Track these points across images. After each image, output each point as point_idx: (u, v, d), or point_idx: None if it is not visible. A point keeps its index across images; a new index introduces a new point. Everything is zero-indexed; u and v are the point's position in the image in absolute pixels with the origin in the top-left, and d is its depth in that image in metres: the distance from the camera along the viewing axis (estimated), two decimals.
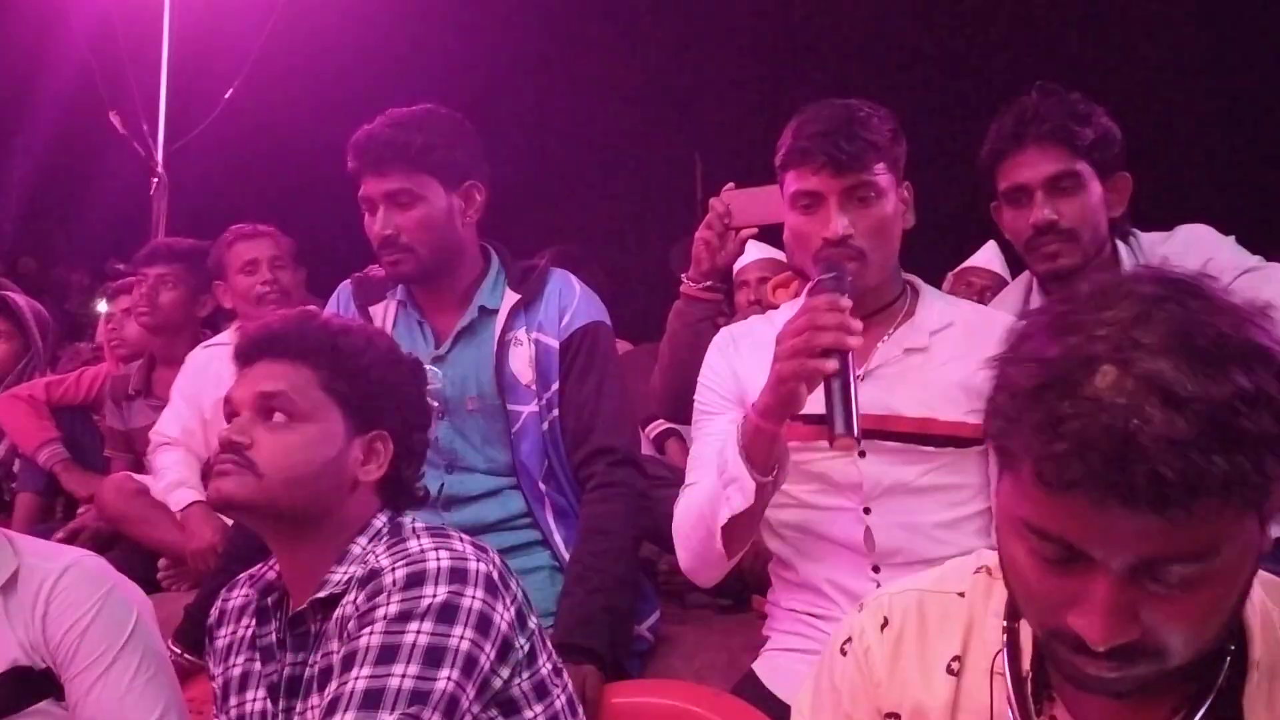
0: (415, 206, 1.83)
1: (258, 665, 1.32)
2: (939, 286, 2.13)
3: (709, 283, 2.01)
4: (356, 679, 1.16)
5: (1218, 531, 0.74)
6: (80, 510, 2.83)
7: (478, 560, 1.24)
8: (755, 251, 2.72)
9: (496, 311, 1.89)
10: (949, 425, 1.50)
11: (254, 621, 1.34)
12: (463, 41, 6.93)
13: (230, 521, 2.13)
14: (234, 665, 1.35)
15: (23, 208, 8.97)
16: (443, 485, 1.86)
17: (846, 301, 1.37)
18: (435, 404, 1.73)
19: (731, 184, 1.94)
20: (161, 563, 2.53)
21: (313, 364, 1.32)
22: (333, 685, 1.18)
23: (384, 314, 1.95)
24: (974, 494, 1.52)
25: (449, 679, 1.17)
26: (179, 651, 1.82)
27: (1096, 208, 1.83)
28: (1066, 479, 0.73)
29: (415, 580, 1.20)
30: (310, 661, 1.27)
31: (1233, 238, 1.89)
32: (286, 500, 1.27)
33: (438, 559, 1.22)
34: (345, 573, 1.27)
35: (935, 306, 1.62)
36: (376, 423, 1.34)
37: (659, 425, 2.68)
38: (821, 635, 1.50)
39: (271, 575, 1.36)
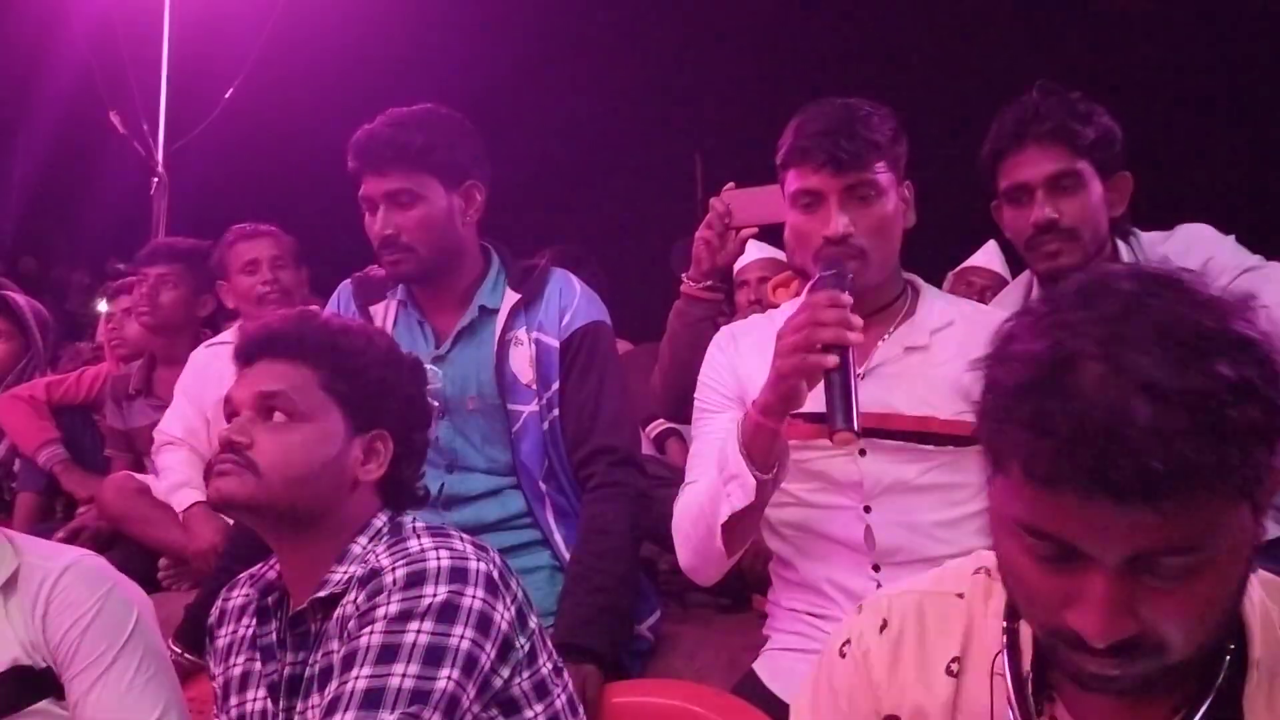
0: (415, 206, 1.83)
1: (258, 665, 1.32)
2: (939, 286, 2.13)
3: (709, 282, 2.01)
4: (357, 678, 1.16)
5: (1210, 522, 0.74)
6: (80, 510, 2.83)
7: (478, 560, 1.24)
8: (755, 251, 2.72)
9: (497, 311, 1.89)
10: (949, 424, 1.50)
11: (254, 621, 1.34)
12: (463, 41, 6.93)
13: (232, 522, 2.13)
14: (234, 665, 1.35)
15: (23, 207, 8.97)
16: (443, 485, 1.86)
17: (847, 298, 1.38)
18: (435, 404, 1.73)
19: (732, 184, 1.94)
20: (162, 562, 2.53)
21: (313, 364, 1.32)
22: (333, 685, 1.18)
23: (384, 314, 1.95)
24: (974, 493, 1.52)
25: (449, 678, 1.17)
26: (179, 651, 1.82)
27: (1097, 207, 1.84)
28: (1055, 475, 0.74)
29: (416, 580, 1.20)
30: (310, 661, 1.27)
31: (1233, 237, 1.89)
32: (286, 500, 1.27)
33: (438, 558, 1.22)
34: (345, 572, 1.27)
35: (936, 305, 1.62)
36: (376, 422, 1.34)
37: (659, 425, 2.68)
38: (822, 634, 1.50)
39: (272, 575, 1.36)
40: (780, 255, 2.68)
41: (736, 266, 2.72)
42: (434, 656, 1.17)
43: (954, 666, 0.95)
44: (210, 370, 2.57)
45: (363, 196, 1.86)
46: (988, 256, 3.23)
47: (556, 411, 1.87)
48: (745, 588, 2.09)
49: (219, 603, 1.41)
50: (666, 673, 1.86)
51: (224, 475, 1.28)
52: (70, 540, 2.43)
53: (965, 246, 3.29)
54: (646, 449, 2.45)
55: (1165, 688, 0.84)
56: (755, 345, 1.61)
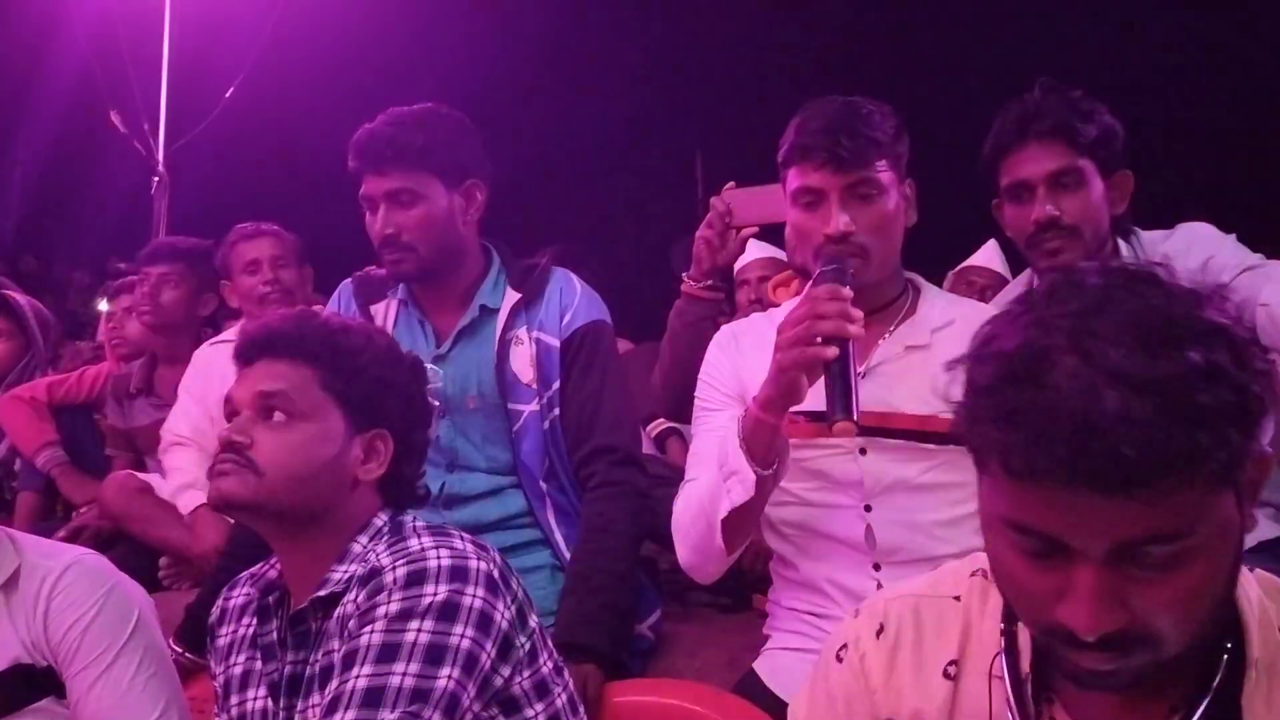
0: (416, 205, 1.83)
1: (259, 664, 1.32)
2: (940, 285, 2.13)
3: (710, 282, 2.01)
4: (357, 677, 1.16)
5: (1191, 509, 0.75)
6: (81, 509, 2.84)
7: (478, 559, 1.24)
8: (756, 250, 2.71)
9: (497, 311, 1.89)
10: (950, 423, 1.50)
11: (255, 620, 1.34)
12: (463, 41, 6.93)
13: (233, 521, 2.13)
14: (235, 664, 1.35)
15: (24, 207, 8.98)
16: (444, 484, 1.86)
17: (847, 291, 1.38)
18: (436, 403, 1.73)
19: (732, 183, 1.94)
20: (163, 561, 2.53)
21: (312, 363, 1.32)
22: (333, 684, 1.18)
23: (385, 313, 1.95)
24: (975, 492, 1.51)
25: (450, 677, 1.17)
26: (180, 650, 1.82)
27: (1098, 205, 1.83)
28: (1031, 468, 0.75)
29: (416, 579, 1.20)
30: (311, 660, 1.27)
31: (1233, 235, 1.89)
32: (287, 499, 1.27)
33: (438, 557, 1.22)
34: (346, 571, 1.27)
35: (937, 304, 1.62)
36: (376, 421, 1.34)
37: (660, 424, 2.68)
38: (822, 634, 1.50)
39: (272, 574, 1.36)
40: (781, 254, 2.68)
41: (737, 266, 2.72)
42: (434, 655, 1.17)
43: (951, 669, 0.95)
44: (214, 369, 2.57)
45: (363, 196, 1.86)
46: (988, 255, 3.22)
47: (557, 411, 1.87)
48: (746, 587, 2.09)
49: (220, 602, 1.41)
50: (667, 672, 1.86)
51: (224, 475, 1.28)
52: (71, 539, 2.42)
53: (966, 246, 3.29)
54: (647, 448, 2.44)
55: (1162, 686, 0.84)
56: (756, 344, 1.61)
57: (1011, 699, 0.90)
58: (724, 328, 1.77)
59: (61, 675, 1.39)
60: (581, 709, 1.38)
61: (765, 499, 1.48)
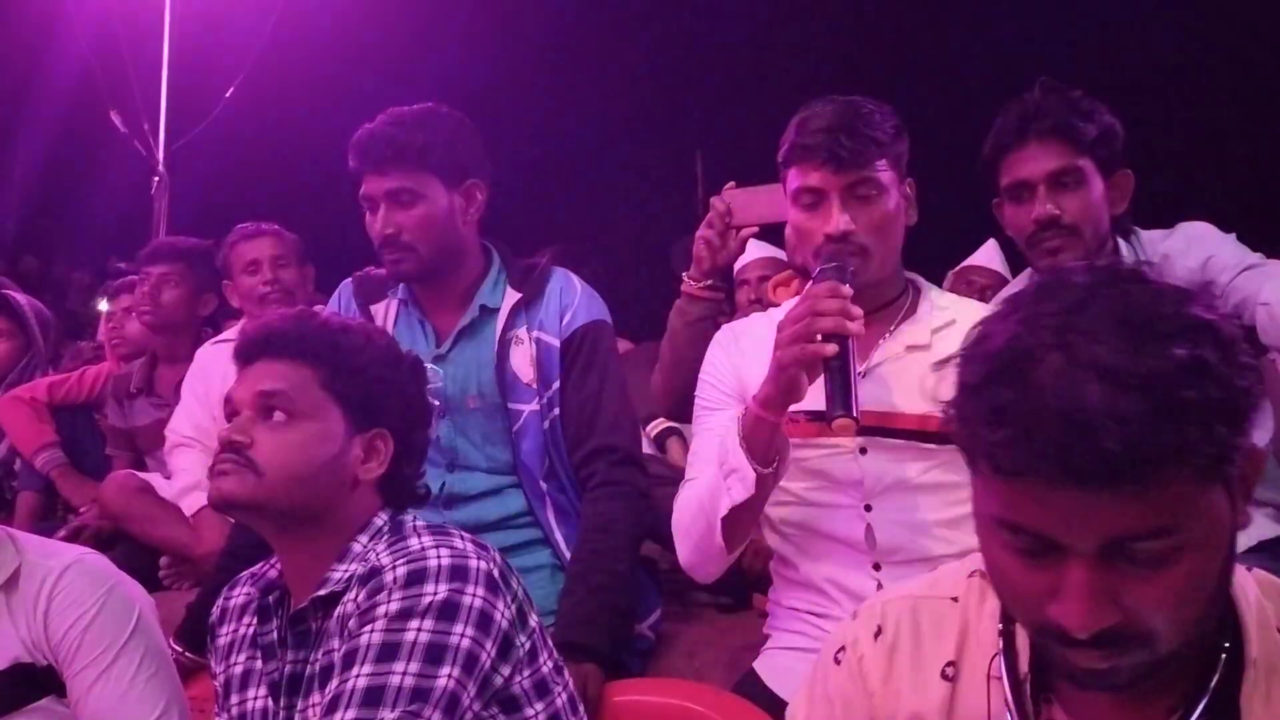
0: (416, 205, 1.83)
1: (259, 663, 1.32)
2: (940, 285, 2.12)
3: (710, 281, 2.01)
4: (357, 676, 1.16)
5: (1180, 504, 0.75)
6: (81, 510, 2.84)
7: (478, 558, 1.24)
8: (756, 250, 2.71)
9: (497, 310, 1.89)
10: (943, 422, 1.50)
11: (255, 619, 1.34)
12: (463, 41, 6.93)
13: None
14: (235, 663, 1.35)
15: (24, 206, 8.98)
16: (444, 484, 1.86)
17: (847, 289, 1.38)
18: (436, 403, 1.73)
19: (732, 183, 1.94)
20: (163, 561, 2.53)
21: (312, 363, 1.32)
22: (333, 683, 1.18)
23: (385, 313, 1.95)
24: None
25: (450, 677, 1.17)
26: (181, 650, 1.82)
27: (1098, 204, 1.84)
28: (1019, 466, 0.75)
29: (416, 578, 1.20)
30: (311, 659, 1.27)
31: (1233, 235, 1.89)
32: (287, 499, 1.27)
33: (438, 557, 1.22)
34: (346, 570, 1.27)
35: (938, 305, 1.62)
36: (376, 421, 1.34)
37: (660, 424, 2.68)
38: (822, 634, 1.50)
39: (273, 573, 1.36)
40: (781, 254, 2.68)
41: (737, 266, 2.72)
42: (434, 655, 1.17)
43: (949, 671, 0.95)
44: (216, 368, 2.57)
45: (363, 196, 1.86)
46: (988, 255, 3.22)
47: (557, 410, 1.87)
48: (746, 586, 2.09)
49: (220, 601, 1.42)
50: (667, 671, 1.86)
51: (224, 475, 1.28)
52: (71, 539, 2.42)
53: (966, 246, 3.29)
54: (647, 448, 2.44)
55: (1160, 685, 0.84)
56: (756, 344, 1.61)
57: (1010, 700, 0.90)
58: (724, 327, 1.77)
59: (62, 674, 1.39)
60: (581, 708, 1.38)
61: (765, 498, 1.48)
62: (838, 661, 1.01)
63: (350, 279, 2.04)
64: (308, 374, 1.31)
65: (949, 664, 0.95)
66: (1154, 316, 0.76)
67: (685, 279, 2.03)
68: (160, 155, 5.59)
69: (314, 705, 1.23)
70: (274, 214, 2.83)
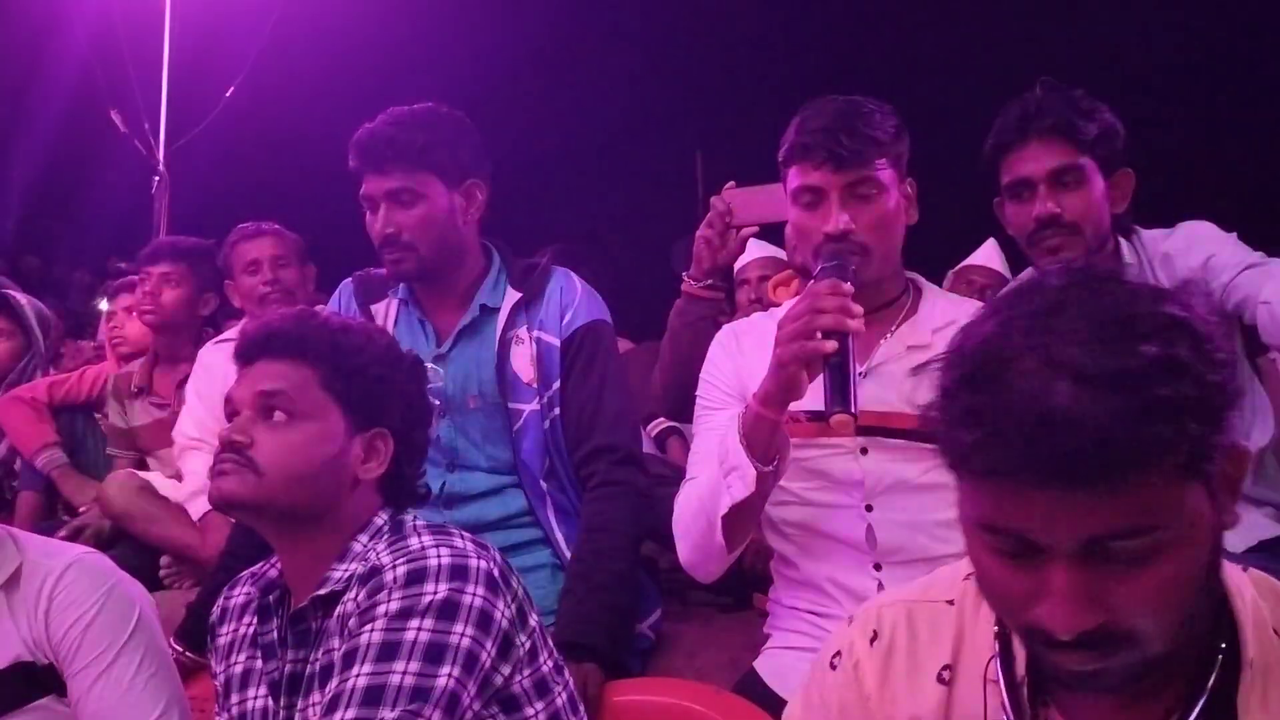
0: (416, 205, 1.83)
1: (259, 663, 1.32)
2: (940, 284, 2.13)
3: (710, 281, 2.01)
4: (357, 676, 1.16)
5: (1158, 503, 0.75)
6: (81, 510, 2.84)
7: (478, 558, 1.24)
8: (756, 250, 2.71)
9: (498, 310, 1.89)
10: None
11: (255, 619, 1.34)
12: (463, 41, 6.93)
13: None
14: (235, 663, 1.35)
15: (25, 206, 8.98)
16: (444, 483, 1.86)
17: (848, 287, 1.38)
18: (436, 402, 1.73)
19: (732, 183, 1.94)
20: (164, 560, 2.53)
21: (312, 362, 1.32)
22: (334, 682, 1.18)
23: (385, 312, 1.95)
24: None
25: (450, 676, 1.17)
26: (181, 649, 1.82)
27: (1099, 203, 1.84)
28: (993, 467, 0.75)
29: (416, 577, 1.20)
30: (311, 659, 1.27)
31: (1234, 234, 1.89)
32: (287, 499, 1.27)
33: (438, 556, 1.22)
34: (346, 570, 1.27)
35: (938, 304, 1.62)
36: (377, 420, 1.34)
37: (660, 423, 2.68)
38: (823, 633, 1.50)
39: (273, 573, 1.36)
40: (781, 254, 2.68)
41: (737, 265, 2.72)
42: (434, 654, 1.17)
43: (945, 674, 0.95)
44: (218, 368, 2.57)
45: (364, 195, 1.86)
46: (987, 255, 3.22)
47: (557, 410, 1.87)
48: (746, 586, 2.09)
49: (220, 601, 1.42)
50: (667, 671, 1.86)
51: (224, 475, 1.28)
52: (72, 539, 2.43)
53: (966, 246, 3.29)
54: (647, 447, 2.44)
55: (1156, 687, 0.84)
56: (757, 343, 1.61)
57: (1007, 703, 0.89)
58: (725, 327, 1.77)
59: (62, 673, 1.39)
60: (581, 708, 1.38)
61: (766, 496, 1.48)
62: (833, 667, 1.01)
63: (351, 279, 2.04)
64: (308, 374, 1.31)
65: (945, 668, 0.95)
66: (1128, 316, 0.76)
67: (685, 279, 2.03)
68: (160, 155, 5.59)
69: (314, 704, 1.23)
70: (274, 214, 2.83)
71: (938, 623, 0.97)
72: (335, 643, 1.23)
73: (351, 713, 1.14)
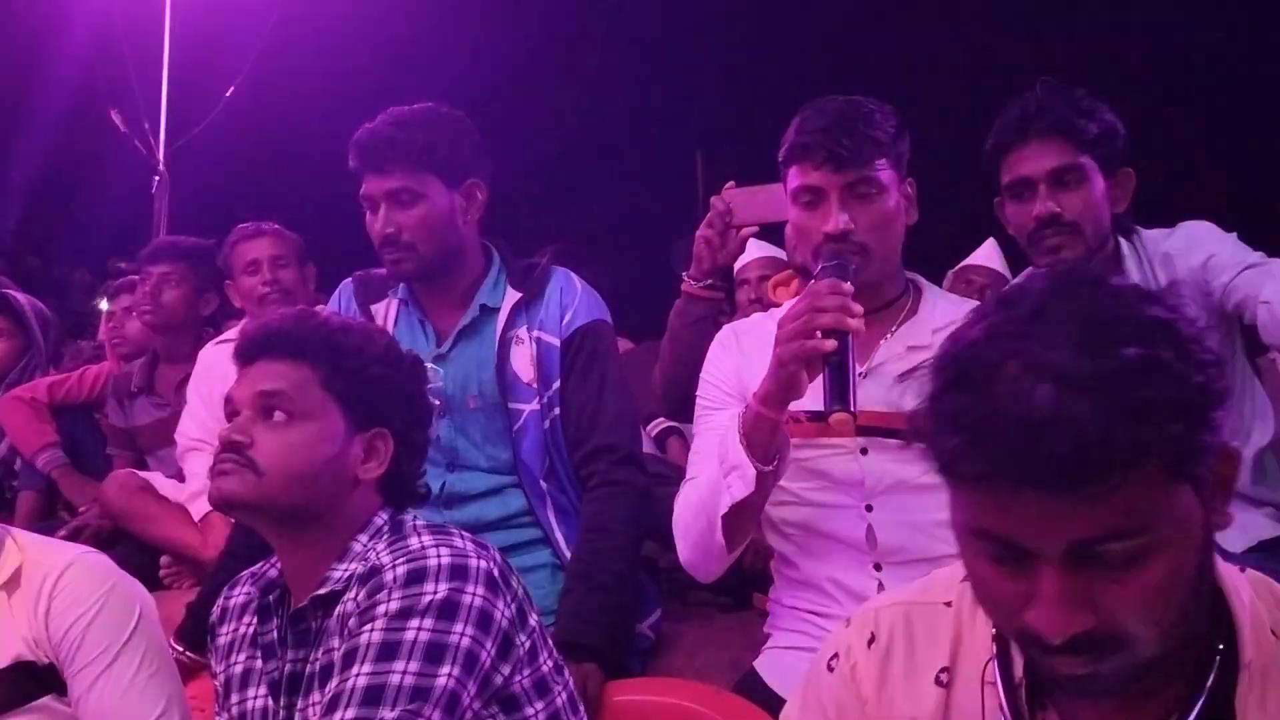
0: (416, 205, 1.83)
1: (259, 662, 1.32)
2: (939, 284, 2.13)
3: (710, 281, 2.01)
4: (357, 676, 1.16)
5: (1144, 504, 0.75)
6: (81, 510, 2.84)
7: (478, 557, 1.24)
8: (756, 250, 2.72)
9: (498, 310, 1.89)
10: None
11: (255, 619, 1.34)
12: (464, 40, 6.93)
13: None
14: (235, 663, 1.35)
15: (25, 206, 8.98)
16: (444, 483, 1.86)
17: (848, 287, 1.38)
18: (436, 402, 1.73)
19: (732, 182, 1.94)
20: (164, 560, 2.53)
21: (312, 362, 1.32)
22: (333, 682, 1.18)
23: (385, 312, 1.95)
24: None
25: (450, 676, 1.17)
26: (181, 649, 1.82)
27: (1099, 202, 1.84)
28: (977, 472, 0.76)
29: (416, 577, 1.20)
30: (311, 659, 1.27)
31: (1234, 234, 1.89)
32: (287, 498, 1.27)
33: (438, 556, 1.22)
34: (346, 570, 1.27)
35: (939, 305, 1.62)
36: (376, 420, 1.34)
37: (660, 423, 2.68)
38: (823, 633, 1.50)
39: (273, 573, 1.36)
40: (781, 254, 2.68)
41: (737, 265, 2.72)
42: (434, 654, 1.17)
43: (943, 676, 0.94)
44: (218, 368, 2.57)
45: (364, 195, 1.86)
46: (987, 254, 3.22)
47: (557, 410, 1.87)
48: (746, 586, 2.09)
49: (220, 601, 1.42)
50: (667, 671, 1.86)
51: (224, 475, 1.28)
52: (72, 538, 2.43)
53: (966, 246, 3.29)
54: (647, 447, 2.45)
55: (1154, 689, 0.84)
56: (757, 344, 1.61)
57: (1005, 705, 0.89)
58: (726, 327, 1.77)
59: (63, 673, 1.39)
60: (581, 708, 1.38)
61: (766, 496, 1.48)
62: (831, 669, 1.01)
63: (350, 279, 2.04)
64: (308, 374, 1.31)
65: (943, 670, 0.95)
66: (1108, 319, 0.76)
67: (685, 279, 2.03)
68: (160, 155, 5.60)
69: (314, 704, 1.23)
70: (274, 213, 2.83)
71: (935, 625, 0.97)
72: (335, 642, 1.23)
73: (351, 712, 1.14)
